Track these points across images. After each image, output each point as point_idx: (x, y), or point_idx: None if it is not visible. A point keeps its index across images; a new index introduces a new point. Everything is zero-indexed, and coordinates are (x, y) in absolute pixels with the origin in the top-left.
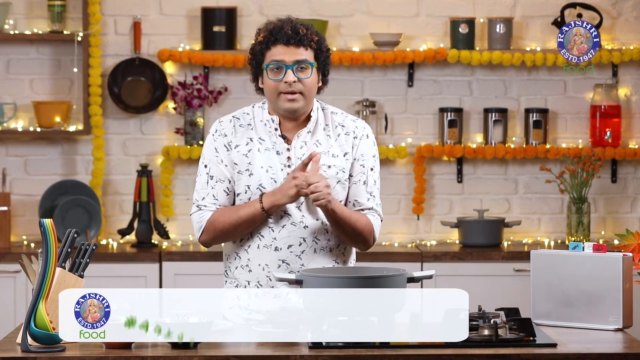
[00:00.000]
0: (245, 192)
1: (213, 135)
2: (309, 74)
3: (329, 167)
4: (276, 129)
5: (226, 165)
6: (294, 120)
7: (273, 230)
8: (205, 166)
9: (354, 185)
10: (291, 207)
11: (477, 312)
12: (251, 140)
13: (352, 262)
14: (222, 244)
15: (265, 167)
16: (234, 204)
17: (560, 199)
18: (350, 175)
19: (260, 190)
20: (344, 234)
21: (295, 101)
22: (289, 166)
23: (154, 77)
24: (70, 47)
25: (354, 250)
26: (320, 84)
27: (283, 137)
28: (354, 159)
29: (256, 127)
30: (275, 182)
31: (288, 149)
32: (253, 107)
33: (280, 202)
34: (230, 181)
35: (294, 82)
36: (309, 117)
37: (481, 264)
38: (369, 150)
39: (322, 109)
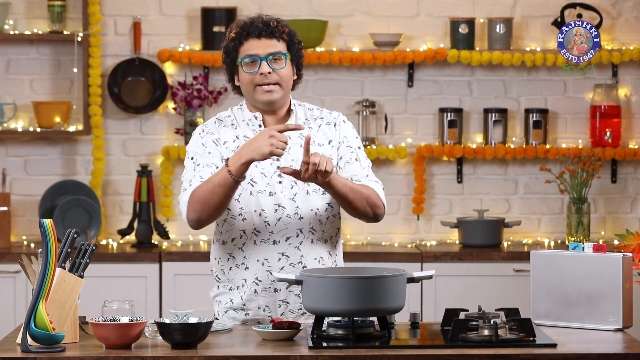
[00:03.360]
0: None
1: (200, 134)
2: (283, 64)
3: None
4: (260, 125)
5: (213, 157)
6: (275, 115)
7: (269, 225)
8: (192, 158)
9: (348, 164)
10: (285, 200)
11: (477, 312)
12: (237, 137)
13: (341, 255)
14: (211, 249)
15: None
16: None
17: (560, 199)
18: (340, 157)
19: (251, 185)
20: (356, 203)
21: (272, 92)
22: (277, 159)
23: (154, 77)
24: (70, 47)
25: (341, 244)
26: (295, 78)
27: None
28: (339, 143)
29: (239, 126)
30: (265, 176)
31: None
32: (232, 109)
33: (248, 158)
34: (217, 167)
35: (269, 73)
36: (289, 112)
37: (481, 264)
38: (349, 132)
39: (300, 105)
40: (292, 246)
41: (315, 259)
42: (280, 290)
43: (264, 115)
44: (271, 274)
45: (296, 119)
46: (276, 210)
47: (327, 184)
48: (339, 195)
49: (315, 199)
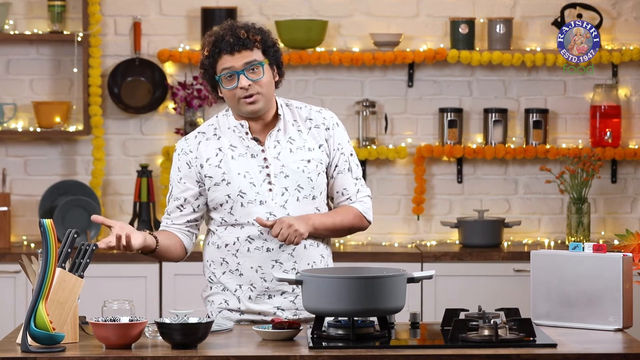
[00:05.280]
0: (227, 202)
1: (178, 154)
2: (261, 73)
3: (308, 161)
4: (247, 133)
5: (185, 183)
6: (262, 121)
7: (262, 233)
8: (170, 183)
9: (341, 175)
10: (276, 207)
11: (477, 312)
12: (220, 150)
13: (331, 256)
14: (202, 249)
15: (242, 172)
16: (208, 217)
17: (560, 199)
18: (336, 166)
19: (241, 196)
20: (339, 235)
21: (255, 103)
22: (266, 167)
23: (154, 78)
24: (70, 47)
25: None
26: (277, 78)
27: (255, 139)
28: (334, 150)
29: (224, 135)
30: (255, 185)
31: (263, 150)
32: (217, 117)
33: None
34: (185, 199)
35: (249, 85)
36: (276, 116)
37: (481, 264)
38: (343, 137)
39: (287, 105)
40: (285, 253)
41: (308, 264)
42: (274, 296)
43: (251, 122)
44: (265, 280)
45: (284, 122)
46: (268, 218)
47: (313, 235)
48: (328, 234)
49: (306, 204)
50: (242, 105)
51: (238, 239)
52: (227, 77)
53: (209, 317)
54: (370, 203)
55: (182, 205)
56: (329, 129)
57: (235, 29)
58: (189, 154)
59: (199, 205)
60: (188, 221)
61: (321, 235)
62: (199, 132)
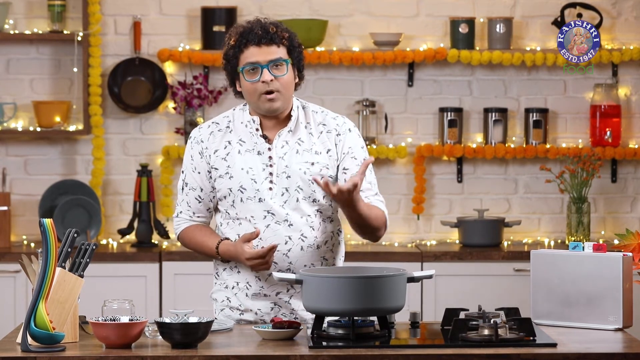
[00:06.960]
0: (229, 194)
1: (191, 142)
2: (284, 71)
3: (312, 164)
4: (257, 130)
5: (199, 173)
6: (274, 119)
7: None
8: (183, 172)
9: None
10: (275, 206)
11: (477, 312)
12: (229, 143)
13: (342, 259)
14: None
15: (246, 168)
16: (215, 208)
17: (560, 199)
18: (344, 168)
19: (241, 192)
20: (368, 221)
21: (275, 100)
22: (270, 165)
23: (154, 77)
24: (70, 47)
25: (343, 247)
26: (297, 80)
27: (264, 137)
28: (344, 154)
29: (236, 129)
30: (256, 182)
31: (269, 149)
32: (234, 110)
33: (236, 260)
34: (202, 189)
35: (271, 80)
36: (289, 116)
37: (481, 264)
38: (355, 142)
39: (303, 108)
40: (280, 253)
41: (305, 265)
42: (269, 295)
43: (263, 119)
44: (259, 280)
45: (296, 123)
46: (265, 217)
47: (353, 203)
48: (359, 215)
49: (305, 206)
50: (261, 101)
51: (239, 236)
52: (250, 69)
53: (215, 317)
54: (386, 209)
55: (200, 197)
56: (339, 134)
57: (264, 23)
58: (200, 143)
59: (214, 197)
60: (208, 209)
61: (360, 211)
62: (212, 122)
